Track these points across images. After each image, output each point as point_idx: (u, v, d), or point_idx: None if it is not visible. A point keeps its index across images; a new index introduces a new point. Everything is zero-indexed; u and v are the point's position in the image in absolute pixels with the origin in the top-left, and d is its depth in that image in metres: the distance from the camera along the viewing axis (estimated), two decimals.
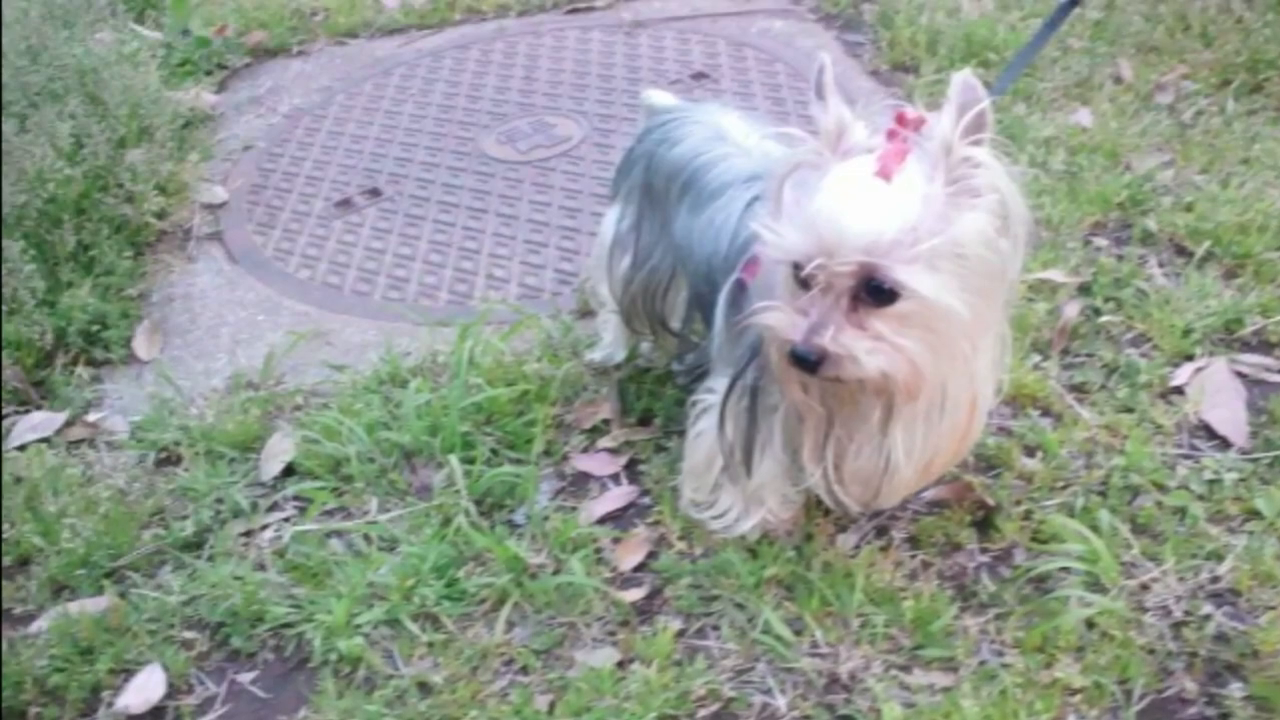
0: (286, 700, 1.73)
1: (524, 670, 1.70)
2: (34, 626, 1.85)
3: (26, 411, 2.31)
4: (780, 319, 1.46)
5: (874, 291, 1.39)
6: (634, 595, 1.80)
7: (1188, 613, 1.68)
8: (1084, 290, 2.29)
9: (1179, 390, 2.05)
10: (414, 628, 1.77)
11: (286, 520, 2.01)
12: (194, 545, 1.98)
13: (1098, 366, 2.12)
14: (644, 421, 2.12)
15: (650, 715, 1.60)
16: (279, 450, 2.12)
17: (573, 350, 2.27)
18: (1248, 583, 1.71)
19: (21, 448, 2.19)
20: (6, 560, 1.97)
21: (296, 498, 2.05)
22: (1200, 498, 1.85)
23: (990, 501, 1.86)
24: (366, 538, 1.93)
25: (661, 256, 1.92)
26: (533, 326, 2.31)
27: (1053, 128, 2.76)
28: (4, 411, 2.30)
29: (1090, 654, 1.62)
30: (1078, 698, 1.58)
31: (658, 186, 1.90)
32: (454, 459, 2.00)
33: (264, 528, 2.00)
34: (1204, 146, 2.66)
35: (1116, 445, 1.95)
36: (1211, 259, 2.33)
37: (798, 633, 1.70)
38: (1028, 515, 1.85)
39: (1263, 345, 2.15)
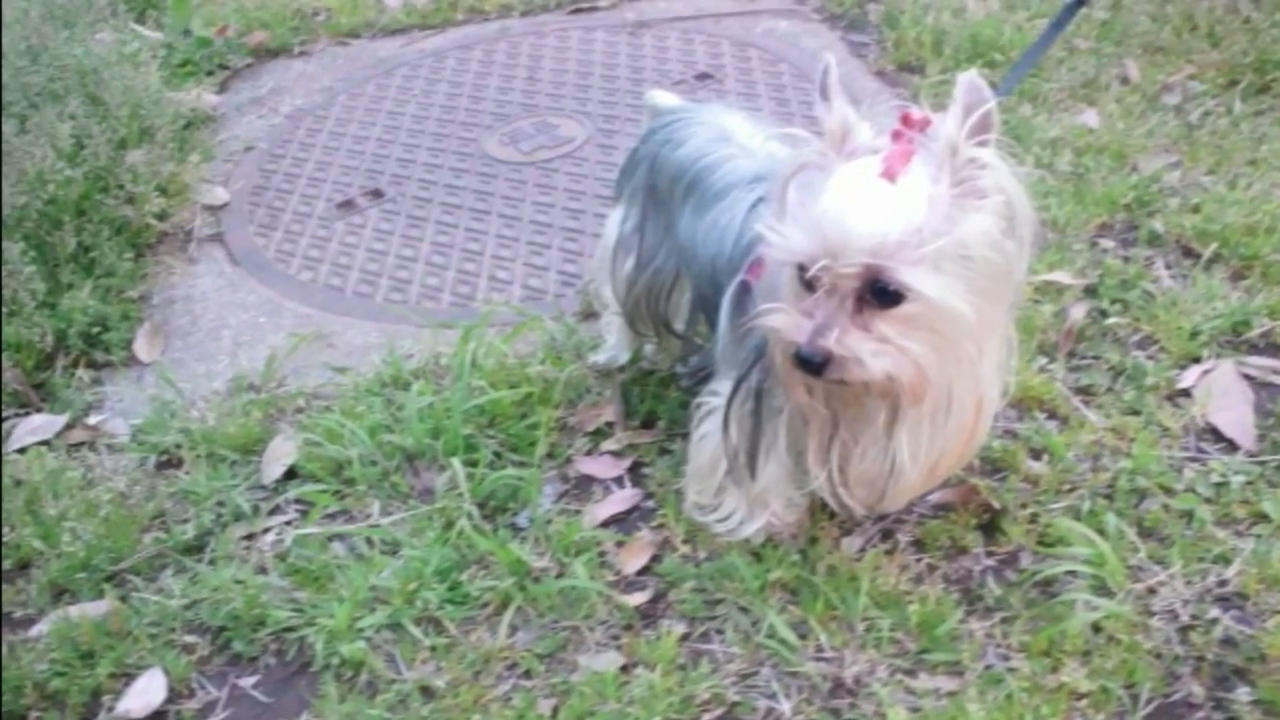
0: (288, 705, 1.72)
1: (527, 674, 1.70)
2: (34, 630, 1.84)
3: (27, 414, 2.30)
4: (785, 321, 1.45)
5: (879, 293, 1.39)
6: (638, 599, 1.79)
7: (1195, 616, 1.67)
8: (1090, 292, 2.27)
9: (1186, 393, 2.04)
10: (416, 632, 1.76)
11: (288, 523, 2.00)
12: (195, 549, 1.97)
13: (1104, 369, 2.11)
14: (648, 424, 2.11)
15: None
16: (281, 453, 2.11)
17: (576, 352, 2.26)
18: (1255, 586, 1.70)
19: (22, 450, 2.18)
20: (7, 564, 1.96)
21: (298, 501, 2.04)
22: (1207, 501, 1.84)
23: (996, 505, 1.85)
24: (369, 541, 1.92)
25: (665, 258, 1.92)
26: (536, 328, 2.31)
27: (1059, 128, 2.75)
28: (4, 414, 2.29)
29: (1097, 658, 1.61)
30: (1084, 702, 1.57)
31: (662, 188, 1.90)
32: (456, 462, 1.99)
33: (265, 531, 1.99)
34: (1211, 147, 2.65)
35: (1123, 448, 1.94)
36: (1219, 261, 2.32)
37: (802, 637, 1.70)
38: (1034, 518, 1.84)
39: (1270, 347, 2.14)
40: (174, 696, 1.74)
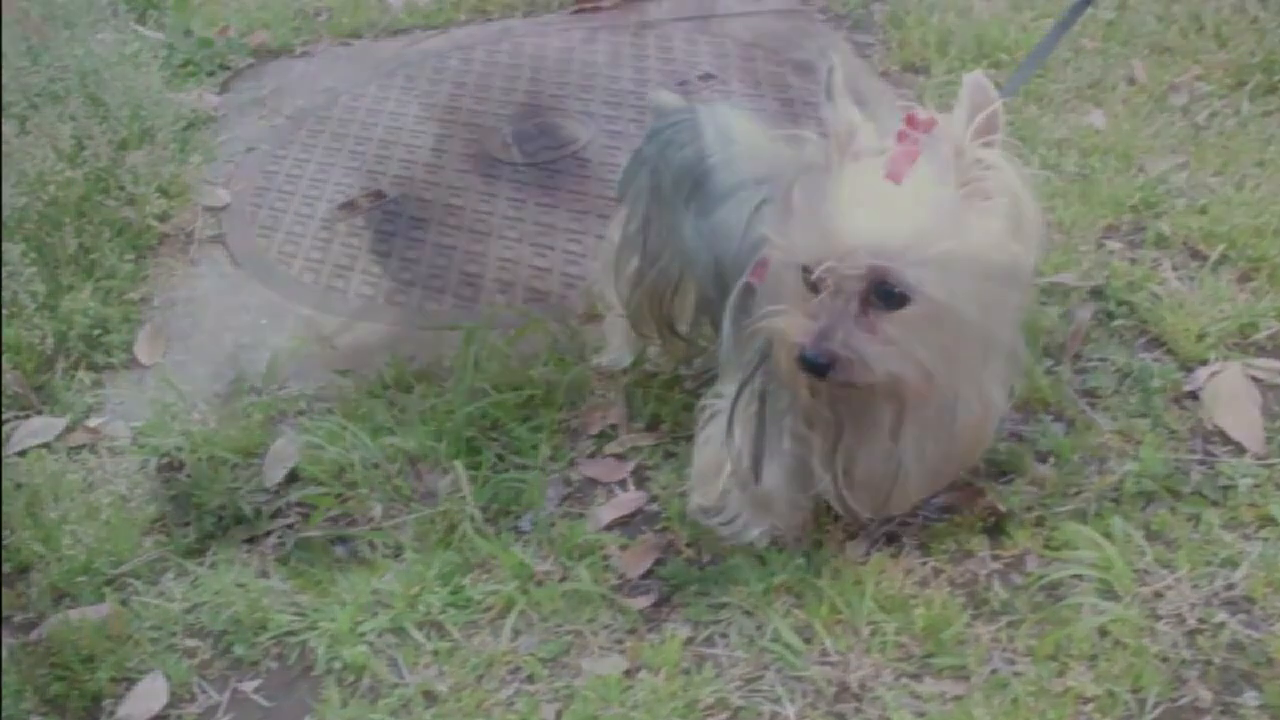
0: (290, 709, 1.71)
1: (530, 679, 1.69)
2: (34, 634, 1.84)
3: (27, 416, 2.29)
4: (789, 323, 1.45)
5: (884, 295, 1.38)
6: (641, 603, 1.78)
7: (1202, 620, 1.66)
8: (1097, 294, 2.26)
9: (1193, 395, 2.03)
10: (419, 636, 1.76)
11: (290, 527, 2.00)
12: (196, 552, 1.97)
13: (1111, 371, 2.09)
14: (651, 427, 2.10)
15: None
16: (282, 456, 2.10)
17: (580, 355, 2.25)
18: (1262, 590, 1.69)
19: (22, 453, 2.17)
20: (7, 567, 1.96)
21: (300, 504, 2.03)
22: (1214, 504, 1.83)
23: (1002, 508, 1.84)
24: (371, 544, 1.92)
25: (669, 259, 1.91)
26: (539, 330, 2.30)
27: (1065, 129, 2.74)
28: (4, 416, 2.28)
29: (1103, 662, 1.61)
30: (1090, 706, 1.56)
31: (665, 188, 1.89)
32: (459, 465, 1.99)
33: (267, 534, 1.99)
34: (1218, 148, 2.64)
35: (1130, 451, 1.92)
36: (1226, 262, 2.30)
37: (807, 641, 1.69)
38: (1040, 521, 1.83)
39: (1277, 350, 2.12)
40: (175, 701, 1.74)
